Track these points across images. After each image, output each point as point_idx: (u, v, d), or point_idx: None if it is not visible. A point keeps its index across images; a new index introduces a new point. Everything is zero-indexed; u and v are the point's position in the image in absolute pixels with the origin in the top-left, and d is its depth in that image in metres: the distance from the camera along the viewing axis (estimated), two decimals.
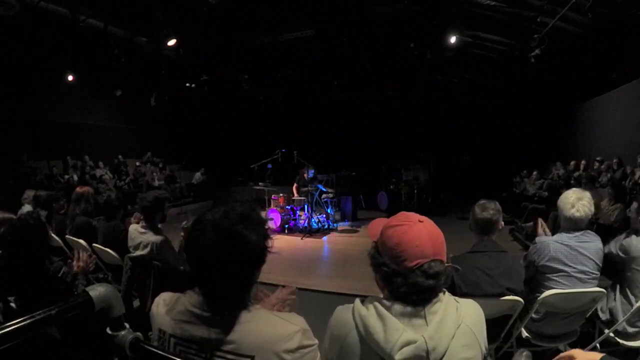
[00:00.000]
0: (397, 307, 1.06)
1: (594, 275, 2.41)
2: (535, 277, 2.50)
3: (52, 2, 6.96)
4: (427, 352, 1.00)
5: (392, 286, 1.08)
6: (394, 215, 1.19)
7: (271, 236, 1.10)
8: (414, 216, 1.15)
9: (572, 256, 2.38)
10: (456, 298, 1.14)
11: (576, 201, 2.36)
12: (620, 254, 2.50)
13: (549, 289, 2.35)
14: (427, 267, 1.05)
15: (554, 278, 2.40)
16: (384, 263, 1.09)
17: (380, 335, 1.02)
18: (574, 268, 2.37)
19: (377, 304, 1.08)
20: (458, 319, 1.07)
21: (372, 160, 12.25)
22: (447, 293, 1.12)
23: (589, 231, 2.45)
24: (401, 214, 1.18)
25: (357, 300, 1.14)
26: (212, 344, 0.99)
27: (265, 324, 1.02)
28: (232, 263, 1.00)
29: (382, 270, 1.10)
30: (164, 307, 1.09)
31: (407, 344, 1.00)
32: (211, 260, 1.00)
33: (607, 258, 2.51)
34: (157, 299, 1.14)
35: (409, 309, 1.06)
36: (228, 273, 1.00)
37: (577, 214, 2.36)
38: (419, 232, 1.09)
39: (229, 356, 0.98)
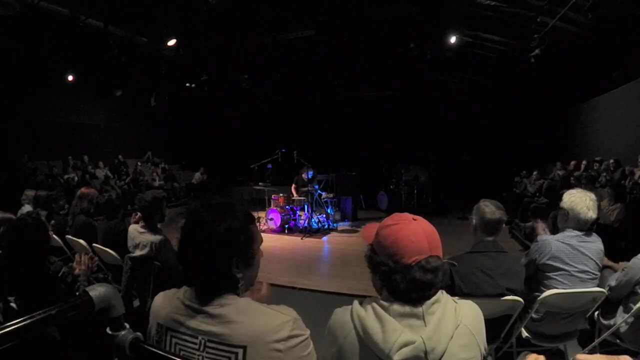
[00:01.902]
0: (396, 307, 1.07)
1: (594, 275, 2.41)
2: (536, 275, 2.50)
3: (52, 2, 6.96)
4: (426, 352, 1.00)
5: (391, 284, 1.09)
6: (387, 218, 1.20)
7: (249, 228, 1.12)
8: (407, 215, 1.17)
9: (573, 255, 2.38)
10: (454, 299, 1.14)
11: (590, 202, 2.38)
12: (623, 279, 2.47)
13: (549, 288, 2.35)
14: (424, 262, 1.07)
15: (555, 277, 2.40)
16: (382, 262, 1.10)
17: (379, 336, 1.03)
18: (575, 267, 2.38)
19: (375, 305, 1.09)
20: (457, 319, 1.07)
21: (372, 160, 12.25)
22: (445, 294, 1.12)
23: (591, 232, 2.46)
24: (394, 214, 1.20)
25: (356, 302, 1.14)
26: (205, 335, 1.03)
27: (256, 316, 1.05)
28: (202, 249, 1.06)
29: (380, 269, 1.11)
30: (163, 302, 1.14)
31: (406, 344, 1.01)
32: (187, 247, 1.09)
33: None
34: (156, 296, 1.19)
35: (407, 309, 1.06)
36: (201, 259, 1.06)
37: (594, 216, 2.39)
38: (414, 230, 1.11)
39: (222, 347, 1.02)
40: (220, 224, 1.05)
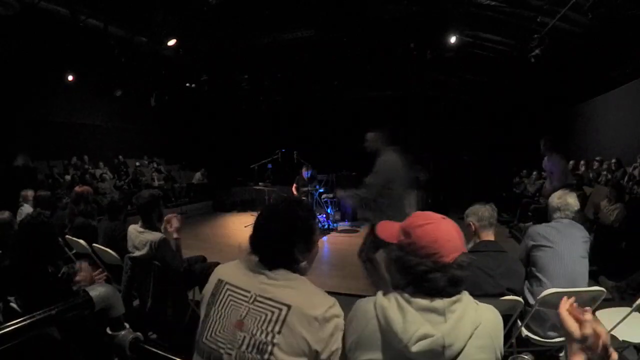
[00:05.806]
0: (418, 300, 1.09)
1: (582, 257, 2.51)
2: (528, 259, 2.63)
3: (52, 2, 6.95)
4: (444, 347, 1.02)
5: (429, 282, 1.09)
6: (413, 217, 1.21)
7: (311, 221, 1.37)
8: (434, 214, 1.20)
9: (559, 236, 2.52)
10: (475, 301, 1.16)
11: (558, 201, 2.67)
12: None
13: (539, 267, 2.49)
14: (460, 260, 1.11)
15: (542, 254, 2.51)
16: (419, 262, 1.11)
17: (399, 326, 1.05)
18: (562, 246, 2.49)
19: (398, 297, 1.11)
20: (476, 320, 1.09)
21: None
22: (467, 294, 1.14)
23: (574, 222, 2.63)
24: (420, 213, 1.22)
25: (380, 293, 1.17)
26: (258, 290, 1.21)
27: (305, 290, 1.23)
28: (273, 230, 1.30)
29: (418, 269, 1.10)
30: (226, 266, 1.38)
31: (425, 337, 1.02)
32: (261, 228, 1.34)
33: None
34: (218, 266, 1.43)
35: (429, 303, 1.08)
36: (271, 239, 1.30)
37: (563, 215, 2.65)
38: (448, 228, 1.15)
39: (269, 302, 1.18)
40: (290, 213, 1.32)
